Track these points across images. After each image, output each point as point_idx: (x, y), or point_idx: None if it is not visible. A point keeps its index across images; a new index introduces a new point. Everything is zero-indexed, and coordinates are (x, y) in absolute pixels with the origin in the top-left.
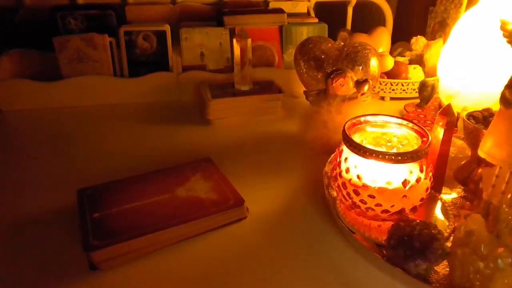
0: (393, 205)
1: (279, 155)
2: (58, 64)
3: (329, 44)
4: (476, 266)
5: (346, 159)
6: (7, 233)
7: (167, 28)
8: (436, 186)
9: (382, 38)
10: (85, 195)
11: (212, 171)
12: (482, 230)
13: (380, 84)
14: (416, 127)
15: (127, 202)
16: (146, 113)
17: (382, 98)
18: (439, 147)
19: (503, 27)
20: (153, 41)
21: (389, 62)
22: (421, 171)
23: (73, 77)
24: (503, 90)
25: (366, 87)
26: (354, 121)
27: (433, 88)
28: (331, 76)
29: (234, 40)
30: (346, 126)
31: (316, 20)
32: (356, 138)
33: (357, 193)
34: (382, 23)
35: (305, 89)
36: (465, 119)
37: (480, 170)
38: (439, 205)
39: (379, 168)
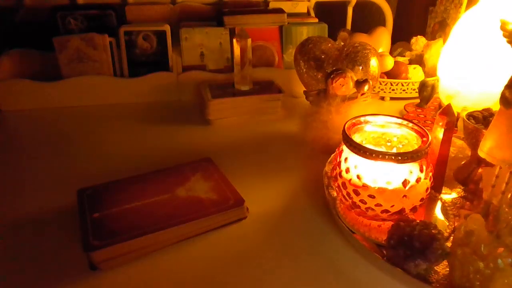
0: (393, 205)
1: (279, 155)
2: (58, 64)
3: (329, 44)
4: (476, 266)
5: (346, 159)
6: (7, 233)
7: (167, 28)
8: (436, 186)
9: (382, 38)
10: (85, 195)
11: (212, 171)
12: (482, 230)
13: (380, 84)
14: (416, 127)
15: (127, 202)
16: (146, 113)
17: (382, 98)
18: (439, 147)
19: (503, 27)
20: (153, 41)
21: (389, 62)
22: (421, 171)
23: (73, 77)
24: (503, 90)
25: (366, 87)
26: (354, 121)
27: (433, 88)
28: (331, 76)
29: (234, 40)
30: (346, 126)
31: (316, 20)
32: (356, 138)
33: (357, 193)
34: (382, 23)
35: (305, 89)
36: (465, 119)
37: (480, 170)
38: (439, 205)
39: (379, 168)
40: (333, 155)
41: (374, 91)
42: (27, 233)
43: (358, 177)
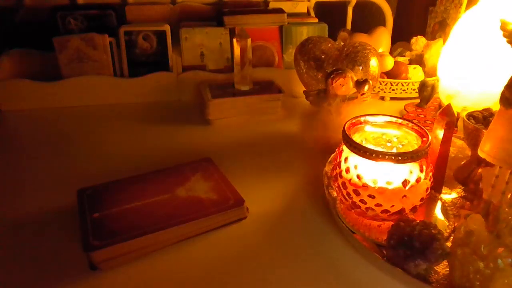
0: (393, 205)
1: (279, 155)
2: (58, 64)
3: (329, 44)
4: (476, 266)
5: (346, 159)
6: (7, 233)
7: (167, 28)
8: (436, 186)
9: (382, 38)
10: (85, 195)
11: (212, 171)
12: (482, 230)
13: (380, 84)
14: (416, 127)
15: (127, 202)
16: (146, 113)
17: (382, 98)
18: (439, 147)
19: (503, 27)
20: (153, 41)
21: (389, 62)
22: (421, 171)
23: (73, 77)
24: (503, 90)
25: (366, 87)
26: (354, 121)
27: (433, 88)
28: (331, 76)
29: (234, 40)
30: (346, 126)
31: (316, 20)
32: (356, 138)
33: (357, 193)
34: (382, 23)
35: (305, 89)
36: (465, 119)
37: (480, 170)
38: (439, 205)
39: (379, 168)
40: (333, 155)
41: (374, 91)
42: (27, 233)
43: (358, 177)
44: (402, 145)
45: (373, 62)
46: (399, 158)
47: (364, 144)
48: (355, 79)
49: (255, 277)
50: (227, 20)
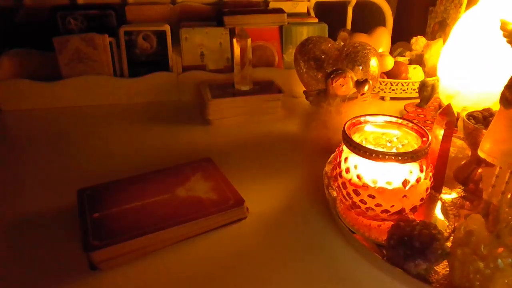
0: (393, 205)
1: (279, 155)
2: (58, 64)
3: (329, 44)
4: (476, 266)
5: (346, 159)
6: (7, 233)
7: (167, 28)
8: (436, 186)
9: (382, 38)
10: (85, 195)
11: (212, 171)
12: (482, 230)
13: (380, 84)
14: (416, 127)
15: (127, 202)
16: (146, 113)
17: (382, 98)
18: (439, 147)
19: (503, 27)
20: (153, 41)
21: (389, 62)
22: (421, 171)
23: (73, 77)
24: (503, 90)
25: (366, 87)
26: (354, 121)
27: (433, 88)
28: (331, 76)
29: (234, 40)
30: (346, 126)
31: (316, 20)
32: (356, 138)
33: (357, 193)
34: (382, 23)
35: (305, 89)
36: (465, 119)
37: (480, 170)
38: (439, 205)
39: (379, 168)
40: (333, 155)
41: (374, 91)
42: (27, 233)
43: (358, 177)
44: (402, 145)
45: (373, 62)
46: (399, 158)
47: (364, 144)
48: (355, 79)
49: (255, 277)
50: (227, 20)
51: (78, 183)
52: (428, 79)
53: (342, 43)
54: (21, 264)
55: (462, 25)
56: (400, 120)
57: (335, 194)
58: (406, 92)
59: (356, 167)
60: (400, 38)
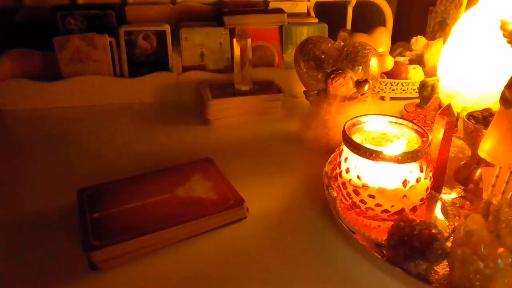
0: (393, 205)
1: (279, 155)
2: (58, 64)
3: (329, 44)
4: (476, 266)
5: (346, 159)
6: (7, 233)
7: (167, 28)
8: (436, 186)
9: (382, 38)
10: (85, 195)
11: (212, 171)
12: (482, 230)
13: (380, 84)
14: (416, 127)
15: (127, 202)
16: (146, 113)
17: (382, 98)
18: (439, 147)
19: (503, 27)
20: (153, 41)
21: (389, 62)
22: (421, 171)
23: (73, 77)
24: (503, 90)
25: (366, 87)
26: (354, 121)
27: (433, 88)
28: (331, 76)
29: (234, 40)
30: (346, 126)
31: (316, 20)
32: (356, 138)
33: (357, 193)
34: (382, 23)
35: (305, 89)
36: (465, 119)
37: (480, 170)
38: (439, 205)
39: (379, 168)
40: (333, 155)
41: (374, 91)
42: (27, 233)
43: (358, 177)
44: None
45: (373, 62)
46: (399, 158)
47: (364, 144)
48: (355, 79)
49: (255, 276)
50: (227, 20)
51: (78, 183)
52: (428, 79)
53: (342, 43)
54: (21, 264)
55: (462, 25)
56: (400, 120)
57: (335, 194)
58: (406, 92)
59: (356, 167)
60: (400, 38)
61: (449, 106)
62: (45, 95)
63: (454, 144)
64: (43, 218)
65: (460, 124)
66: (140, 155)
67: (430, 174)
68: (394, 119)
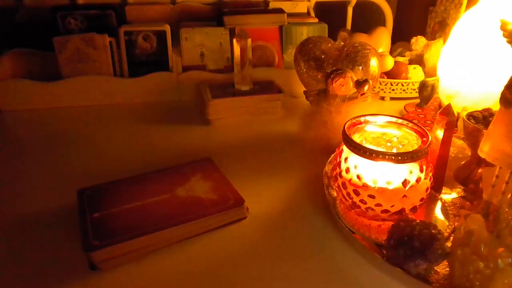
0: (393, 205)
1: (279, 155)
2: (58, 64)
3: (329, 44)
4: (476, 266)
5: (346, 159)
6: (7, 233)
7: (167, 28)
8: (436, 186)
9: (382, 38)
10: (85, 195)
11: (212, 171)
12: (482, 230)
13: (380, 84)
14: (416, 127)
15: (127, 202)
16: (146, 113)
17: (382, 98)
18: (439, 147)
19: (503, 27)
20: (153, 41)
21: (389, 62)
22: (421, 171)
23: (73, 77)
24: (503, 90)
25: (366, 87)
26: (354, 121)
27: (433, 88)
28: (331, 76)
29: (234, 40)
30: (346, 126)
31: (316, 20)
32: (356, 138)
33: (357, 193)
34: (382, 23)
35: (305, 89)
36: (465, 119)
37: (480, 170)
38: (439, 205)
39: (379, 168)
40: (333, 155)
41: (374, 91)
42: (27, 233)
43: (358, 177)
44: (402, 145)
45: (373, 62)
46: (399, 158)
47: (364, 144)
48: (355, 79)
49: (255, 277)
50: (227, 20)
51: (78, 183)
52: (428, 79)
53: (342, 43)
54: (21, 264)
55: (462, 25)
56: (400, 120)
57: (335, 194)
58: (406, 92)
59: (356, 167)
60: (400, 38)
61: (449, 106)
62: (45, 95)
63: (454, 144)
64: (43, 218)
65: (460, 124)
66: (140, 155)
67: (430, 174)
68: (394, 119)
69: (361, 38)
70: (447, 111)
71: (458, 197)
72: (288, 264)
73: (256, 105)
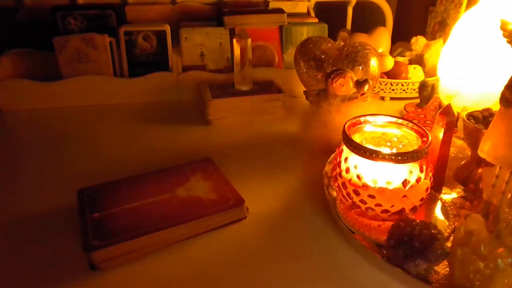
0: (393, 205)
1: (279, 155)
2: (58, 64)
3: (329, 44)
4: (476, 266)
5: (346, 159)
6: (7, 233)
7: (167, 28)
8: (436, 186)
9: (382, 38)
10: (85, 195)
11: (212, 171)
12: (482, 230)
13: (380, 84)
14: (416, 127)
15: (127, 202)
16: (146, 113)
17: (382, 98)
18: (439, 147)
19: (503, 27)
20: (153, 41)
21: (389, 62)
22: (421, 171)
23: (73, 77)
24: (503, 90)
25: (366, 87)
26: (354, 121)
27: (433, 88)
28: (331, 76)
29: (234, 40)
30: (346, 126)
31: (316, 20)
32: (356, 138)
33: (357, 193)
34: (382, 23)
35: (305, 89)
36: (465, 119)
37: (480, 170)
38: (439, 205)
39: (379, 168)
40: (333, 155)
41: (374, 91)
42: (27, 234)
43: (358, 177)
44: (402, 145)
45: (373, 62)
46: (399, 158)
47: (364, 144)
48: (355, 79)
49: (255, 276)
50: (227, 20)
51: (78, 183)
52: (428, 79)
53: (342, 43)
54: (21, 264)
55: (462, 25)
56: (400, 120)
57: (335, 194)
58: (406, 92)
59: (356, 167)
60: (400, 38)
61: (449, 106)
62: (45, 95)
63: (454, 144)
64: (43, 218)
65: (460, 124)
66: (140, 155)
67: (430, 174)
68: (394, 119)
69: (361, 38)
70: (447, 111)
71: (458, 197)
72: (288, 264)
73: (256, 105)
